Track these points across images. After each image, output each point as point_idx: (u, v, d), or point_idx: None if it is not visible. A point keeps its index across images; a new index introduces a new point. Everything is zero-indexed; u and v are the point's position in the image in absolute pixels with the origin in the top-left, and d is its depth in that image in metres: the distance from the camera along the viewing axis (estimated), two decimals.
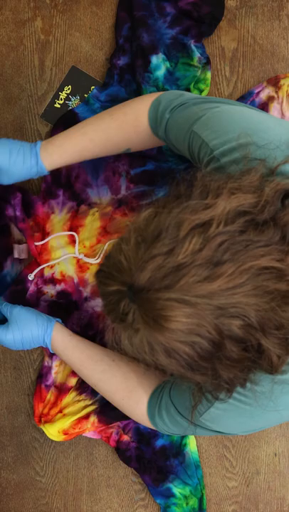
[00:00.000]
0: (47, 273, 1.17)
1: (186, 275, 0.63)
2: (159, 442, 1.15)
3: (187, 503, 1.16)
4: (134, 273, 0.65)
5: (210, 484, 1.18)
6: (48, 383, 1.17)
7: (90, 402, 1.15)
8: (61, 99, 1.20)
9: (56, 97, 1.20)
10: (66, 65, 1.21)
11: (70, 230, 1.17)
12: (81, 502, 1.19)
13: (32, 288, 1.16)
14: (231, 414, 0.84)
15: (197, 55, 1.17)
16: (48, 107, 1.20)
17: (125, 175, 1.16)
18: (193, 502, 1.16)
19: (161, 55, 1.16)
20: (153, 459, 1.15)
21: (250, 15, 1.20)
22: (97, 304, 1.17)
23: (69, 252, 1.17)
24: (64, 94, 1.20)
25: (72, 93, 1.20)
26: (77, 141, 1.00)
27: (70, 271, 1.17)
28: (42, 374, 1.17)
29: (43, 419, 1.16)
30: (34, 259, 1.17)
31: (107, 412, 1.14)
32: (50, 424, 1.14)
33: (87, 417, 1.15)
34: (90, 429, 1.15)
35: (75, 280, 1.17)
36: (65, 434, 1.15)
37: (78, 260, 1.17)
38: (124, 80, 1.18)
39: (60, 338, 1.05)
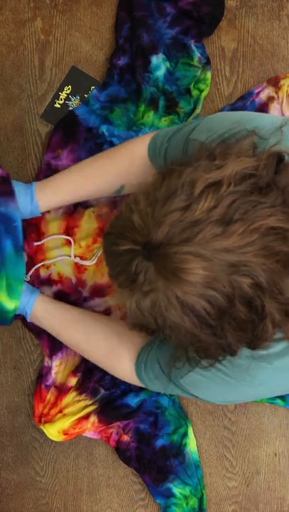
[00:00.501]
0: (43, 274, 1.17)
1: (203, 230, 0.65)
2: (159, 442, 1.15)
3: (187, 503, 1.16)
4: (151, 229, 0.66)
5: (210, 484, 1.18)
6: (48, 383, 1.17)
7: (90, 402, 1.15)
8: (61, 100, 1.20)
9: (56, 97, 1.20)
10: (66, 65, 1.21)
11: (66, 230, 1.17)
12: (81, 502, 1.19)
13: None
14: (209, 382, 0.86)
15: (197, 55, 1.16)
16: (48, 107, 1.20)
17: None
18: (193, 502, 1.16)
19: (161, 55, 1.16)
20: (153, 459, 1.15)
21: (250, 15, 1.20)
22: (96, 304, 1.17)
23: (64, 253, 1.17)
24: (64, 95, 1.20)
25: (72, 93, 1.20)
26: (71, 178, 1.04)
27: (68, 272, 1.17)
28: (42, 374, 1.17)
29: (43, 419, 1.16)
30: (29, 260, 1.17)
31: (107, 412, 1.14)
32: (50, 424, 1.14)
33: (87, 417, 1.15)
34: (90, 429, 1.15)
35: (73, 281, 1.17)
36: (65, 434, 1.15)
37: (75, 263, 1.17)
38: (124, 80, 1.18)
39: (41, 305, 1.06)
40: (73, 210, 1.17)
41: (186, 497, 1.16)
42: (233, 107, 1.18)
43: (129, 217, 0.69)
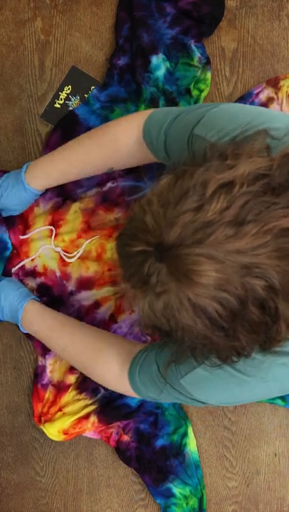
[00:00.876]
0: (29, 265, 1.17)
1: (216, 232, 0.64)
2: (159, 442, 1.15)
3: (187, 503, 1.16)
4: (163, 230, 0.66)
5: (210, 484, 1.18)
6: (44, 382, 1.17)
7: (90, 402, 1.15)
8: (61, 99, 1.20)
9: (56, 97, 1.20)
10: (66, 65, 1.21)
11: (52, 223, 1.17)
12: (81, 502, 1.19)
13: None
14: (217, 379, 0.84)
15: (197, 55, 1.16)
16: (48, 107, 1.20)
17: (117, 177, 1.17)
18: (193, 502, 1.16)
19: (161, 55, 1.16)
20: (153, 459, 1.15)
21: (250, 15, 1.20)
22: (83, 298, 1.17)
23: (46, 243, 1.17)
24: (64, 94, 1.20)
25: (72, 93, 1.20)
26: (58, 166, 1.05)
27: (53, 265, 1.17)
28: (37, 374, 1.17)
29: (43, 418, 1.16)
30: (15, 251, 1.17)
31: (107, 411, 1.14)
32: (50, 424, 1.14)
33: (87, 416, 1.15)
34: (90, 429, 1.15)
35: (57, 274, 1.17)
36: (65, 433, 1.15)
37: (61, 257, 1.17)
38: (124, 80, 1.18)
39: (31, 310, 1.07)
40: (62, 204, 1.17)
41: (186, 497, 1.16)
42: None
43: (142, 219, 0.68)
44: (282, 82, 1.17)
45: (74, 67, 1.21)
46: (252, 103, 1.17)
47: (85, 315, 1.16)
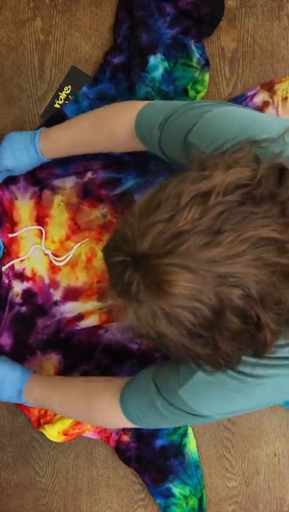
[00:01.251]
0: (18, 267, 1.16)
1: (187, 241, 0.64)
2: (159, 442, 1.15)
3: (187, 503, 1.16)
4: (136, 241, 0.67)
5: (210, 484, 1.19)
6: None
7: None
8: (61, 100, 1.20)
9: (56, 97, 1.20)
10: (66, 65, 1.21)
11: (37, 220, 1.16)
12: (81, 502, 1.19)
13: (4, 280, 1.15)
14: (217, 385, 0.83)
15: (197, 55, 1.16)
16: (47, 107, 1.20)
17: (96, 168, 1.16)
18: (193, 502, 1.16)
19: (159, 55, 1.15)
20: (153, 459, 1.15)
21: (250, 15, 1.20)
22: (67, 310, 1.16)
23: (36, 244, 1.16)
24: (64, 95, 1.20)
25: (72, 93, 1.20)
26: (66, 143, 1.07)
27: (42, 271, 1.16)
28: None
29: (42, 420, 1.16)
30: (5, 250, 1.16)
31: None
32: (50, 426, 1.14)
33: (75, 425, 1.14)
34: (90, 429, 1.15)
35: (46, 281, 1.16)
36: (65, 434, 1.14)
37: (50, 261, 1.16)
38: (115, 78, 1.17)
39: (28, 397, 1.06)
40: (39, 194, 1.16)
41: (185, 497, 1.16)
42: None
43: (123, 229, 0.69)
44: (277, 86, 1.16)
45: (74, 67, 1.21)
46: (246, 106, 1.16)
47: (65, 326, 1.15)
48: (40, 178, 1.16)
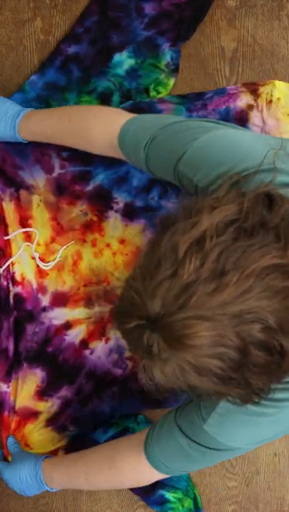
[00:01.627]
0: (11, 270, 1.15)
1: (196, 292, 0.65)
2: None
3: (183, 505, 1.15)
4: (147, 303, 0.67)
5: (210, 484, 1.18)
6: (9, 409, 1.14)
7: (57, 440, 1.14)
8: None
9: None
10: None
11: (21, 221, 1.15)
12: (81, 502, 1.19)
13: (2, 282, 1.14)
14: (239, 413, 0.82)
15: (167, 59, 1.16)
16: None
17: (56, 156, 1.15)
18: (188, 503, 1.15)
19: (125, 53, 1.15)
20: None
21: (250, 15, 1.20)
22: (55, 316, 1.15)
23: (24, 248, 1.15)
24: None
25: None
26: (43, 129, 1.07)
27: (30, 275, 1.15)
28: (0, 402, 1.13)
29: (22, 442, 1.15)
30: (1, 252, 1.15)
31: (75, 447, 1.12)
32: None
33: (55, 452, 1.14)
34: None
35: (34, 286, 1.15)
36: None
37: (38, 265, 1.15)
38: (67, 67, 1.16)
39: (46, 468, 1.05)
40: (17, 196, 1.14)
41: (180, 500, 1.15)
42: (203, 101, 1.16)
43: (129, 294, 0.69)
44: (261, 89, 1.15)
45: None
46: (227, 108, 1.15)
47: (54, 335, 1.14)
48: (9, 175, 1.14)
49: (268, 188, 0.71)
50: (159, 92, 1.17)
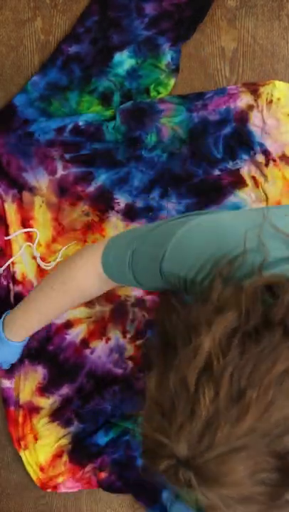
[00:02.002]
0: (11, 269, 1.15)
1: (219, 427, 0.61)
2: (139, 462, 1.13)
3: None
4: (173, 447, 0.63)
5: None
6: (14, 403, 1.15)
7: (62, 434, 1.14)
8: None
9: None
10: None
11: (22, 222, 1.15)
12: (81, 502, 1.19)
13: (2, 281, 1.15)
14: None
15: (168, 59, 1.16)
16: None
17: (59, 158, 1.15)
18: None
19: (126, 52, 1.15)
20: (140, 480, 1.13)
21: (250, 15, 1.20)
22: None
23: (25, 249, 1.15)
24: None
25: None
26: (34, 318, 1.03)
27: (30, 274, 1.15)
28: (5, 398, 1.15)
29: (22, 442, 1.15)
30: (1, 252, 1.15)
31: (77, 450, 1.13)
32: (29, 453, 1.14)
33: (60, 454, 1.14)
34: (64, 473, 1.14)
35: (35, 285, 1.15)
36: (42, 470, 1.14)
37: (38, 264, 1.15)
38: (68, 67, 1.17)
39: (6, 320, 1.04)
40: (20, 197, 1.15)
41: None
42: (203, 101, 1.16)
43: (152, 436, 0.65)
44: (261, 89, 1.16)
45: None
46: (227, 108, 1.15)
47: (54, 334, 1.15)
48: (12, 177, 1.14)
49: (266, 277, 0.67)
50: (159, 92, 1.17)
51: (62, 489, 1.15)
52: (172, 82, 1.17)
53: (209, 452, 0.61)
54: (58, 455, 1.15)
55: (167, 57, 1.17)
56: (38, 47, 1.21)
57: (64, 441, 1.15)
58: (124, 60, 1.16)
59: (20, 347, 1.08)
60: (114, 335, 1.15)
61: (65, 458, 1.14)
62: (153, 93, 1.16)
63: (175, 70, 1.17)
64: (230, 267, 0.71)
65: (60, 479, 1.15)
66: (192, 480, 0.63)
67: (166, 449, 0.63)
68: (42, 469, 1.15)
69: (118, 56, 1.16)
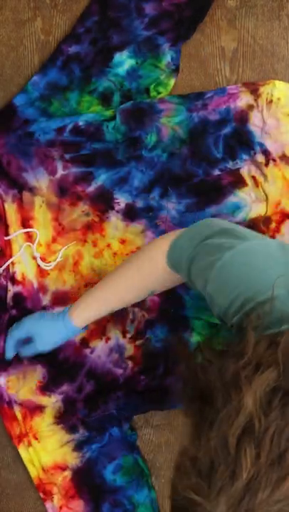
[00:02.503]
0: (10, 270, 1.15)
1: (259, 490, 0.59)
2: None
3: None
4: (211, 509, 0.61)
5: None
6: (7, 400, 1.14)
7: (66, 439, 1.14)
8: None
9: None
10: None
11: (22, 222, 1.15)
12: None
13: (2, 281, 1.15)
14: None
15: (167, 59, 1.16)
16: None
17: (59, 158, 1.15)
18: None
19: (126, 52, 1.15)
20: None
21: (250, 15, 1.20)
22: None
23: (25, 249, 1.15)
24: None
25: None
26: (100, 296, 1.03)
27: (30, 274, 1.15)
28: None
29: (25, 439, 1.14)
30: (1, 252, 1.15)
31: (82, 474, 1.13)
32: (33, 450, 1.14)
33: (64, 467, 1.14)
34: (60, 485, 1.13)
35: (35, 285, 1.15)
36: (44, 471, 1.14)
37: (38, 265, 1.15)
38: (68, 67, 1.17)
39: (77, 320, 1.04)
40: (20, 197, 1.15)
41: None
42: (203, 100, 1.16)
43: (187, 494, 0.63)
44: (261, 89, 1.15)
45: None
46: (227, 108, 1.15)
47: None
48: (12, 177, 1.14)
49: None
50: (159, 92, 1.17)
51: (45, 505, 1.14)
52: (172, 82, 1.18)
53: None
54: (61, 467, 1.14)
55: (167, 57, 1.17)
56: (38, 47, 1.21)
57: (67, 448, 1.14)
58: (124, 60, 1.16)
59: (78, 333, 1.07)
60: (114, 334, 1.15)
61: (67, 473, 1.14)
62: (153, 93, 1.16)
63: (175, 70, 1.17)
64: (258, 313, 0.71)
65: (55, 489, 1.14)
66: None
67: (201, 508, 0.62)
68: (44, 470, 1.14)
69: (118, 56, 1.16)
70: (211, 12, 1.19)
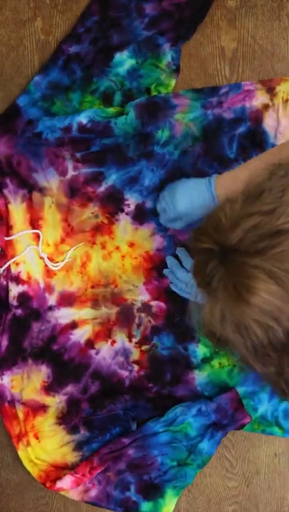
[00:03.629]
0: (14, 270, 1.15)
1: (282, 243, 0.56)
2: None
3: None
4: (227, 230, 0.58)
5: (210, 484, 1.18)
6: (9, 399, 1.15)
7: (67, 440, 1.14)
8: None
9: None
10: None
11: (31, 222, 1.15)
12: (81, 502, 1.19)
13: (2, 281, 1.15)
14: None
15: (168, 59, 1.16)
16: None
17: (70, 157, 1.15)
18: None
19: (126, 52, 1.15)
20: None
21: (250, 15, 1.20)
22: (62, 316, 1.15)
23: (33, 249, 1.15)
24: None
25: None
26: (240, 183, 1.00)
27: (37, 274, 1.15)
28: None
29: (24, 439, 1.14)
30: (2, 252, 1.15)
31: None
32: (32, 449, 1.14)
33: (63, 466, 1.14)
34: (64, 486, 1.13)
35: (41, 285, 1.15)
36: (44, 471, 1.15)
37: (46, 265, 1.15)
38: (69, 67, 1.17)
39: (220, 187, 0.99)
40: (30, 197, 1.15)
41: None
42: (218, 97, 1.16)
43: (218, 215, 0.61)
44: (278, 88, 1.15)
45: None
46: (242, 107, 1.14)
47: (59, 334, 1.15)
48: (23, 177, 1.15)
49: None
50: (160, 93, 1.17)
51: (59, 485, 1.13)
52: (173, 82, 1.17)
53: (254, 257, 0.57)
54: (61, 466, 1.15)
55: (167, 57, 1.17)
56: (38, 47, 1.21)
57: (67, 448, 1.14)
58: (124, 60, 1.16)
59: (211, 207, 0.99)
60: (120, 338, 1.15)
61: (69, 479, 1.13)
62: (154, 93, 1.16)
63: (175, 70, 1.17)
64: None
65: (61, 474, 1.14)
66: (217, 276, 0.58)
67: (218, 233, 0.59)
68: (46, 471, 1.15)
69: (118, 56, 1.16)
70: (211, 12, 1.19)
